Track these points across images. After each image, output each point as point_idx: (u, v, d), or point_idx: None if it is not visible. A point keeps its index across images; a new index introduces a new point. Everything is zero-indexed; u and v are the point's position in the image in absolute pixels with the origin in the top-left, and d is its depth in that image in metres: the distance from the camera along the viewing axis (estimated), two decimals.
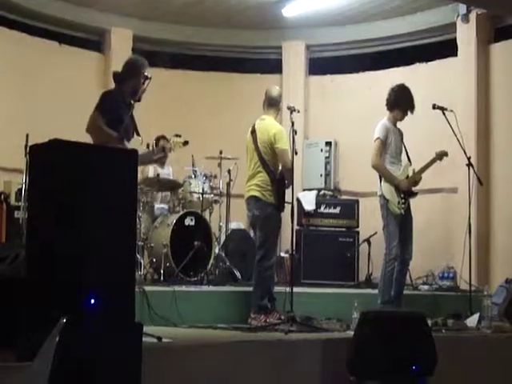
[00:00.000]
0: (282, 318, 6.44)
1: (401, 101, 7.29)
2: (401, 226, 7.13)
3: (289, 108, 6.72)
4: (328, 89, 11.20)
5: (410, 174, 7.31)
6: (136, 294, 4.66)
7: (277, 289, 6.93)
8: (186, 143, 6.16)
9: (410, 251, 7.21)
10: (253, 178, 6.82)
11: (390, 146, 7.25)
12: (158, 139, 9.10)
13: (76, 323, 3.79)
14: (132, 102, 5.78)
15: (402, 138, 7.40)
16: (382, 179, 7.19)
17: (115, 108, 5.52)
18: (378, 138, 7.21)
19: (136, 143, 5.67)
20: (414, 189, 7.33)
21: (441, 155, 7.48)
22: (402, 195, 7.16)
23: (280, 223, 6.89)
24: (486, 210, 9.45)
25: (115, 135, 5.41)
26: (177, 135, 6.14)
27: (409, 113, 7.34)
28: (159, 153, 5.81)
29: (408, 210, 7.23)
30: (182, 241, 7.87)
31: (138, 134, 5.66)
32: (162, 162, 5.92)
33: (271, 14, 10.45)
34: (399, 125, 7.40)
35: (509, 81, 9.51)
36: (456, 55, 9.99)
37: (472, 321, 6.81)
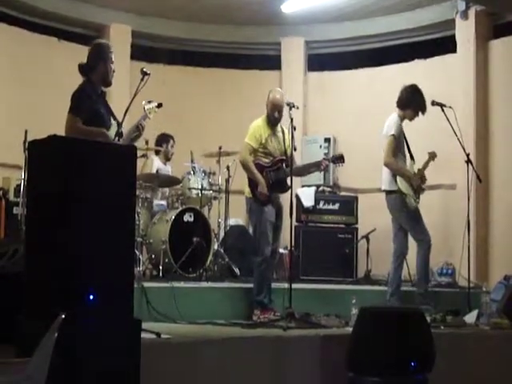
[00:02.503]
0: (278, 314, 6.46)
1: (413, 101, 7.28)
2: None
3: (288, 104, 6.73)
4: (327, 85, 11.19)
5: (416, 172, 7.34)
6: (135, 290, 4.66)
7: (276, 285, 6.95)
8: (159, 106, 6.01)
9: (407, 246, 7.26)
10: None
11: (401, 143, 7.26)
12: (162, 136, 9.06)
13: (75, 319, 3.79)
14: (103, 89, 5.68)
15: (404, 135, 7.40)
16: (397, 175, 7.19)
17: (88, 103, 5.39)
18: (392, 135, 7.18)
19: (115, 128, 5.56)
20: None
21: (433, 156, 7.49)
22: (415, 191, 7.20)
23: (263, 215, 6.80)
24: (484, 206, 9.45)
25: (96, 131, 5.31)
26: (149, 101, 5.98)
27: (420, 114, 7.34)
28: (134, 132, 5.69)
29: None
30: (181, 237, 7.86)
31: (115, 119, 5.57)
32: (137, 139, 5.76)
33: (270, 10, 10.44)
34: None
35: (507, 77, 9.50)
36: (455, 52, 9.98)
37: (470, 317, 6.83)
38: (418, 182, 7.22)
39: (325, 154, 7.04)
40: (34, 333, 3.73)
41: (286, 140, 6.91)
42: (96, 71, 5.57)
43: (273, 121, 6.91)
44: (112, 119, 5.55)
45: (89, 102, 5.42)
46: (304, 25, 11.00)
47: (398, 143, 7.23)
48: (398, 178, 7.18)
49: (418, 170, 7.35)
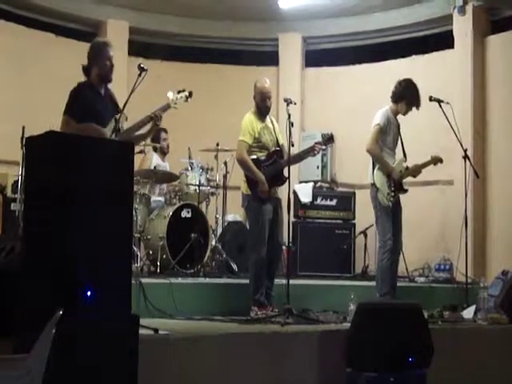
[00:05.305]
0: (275, 310, 6.46)
1: (407, 95, 7.24)
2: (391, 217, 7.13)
3: (285, 100, 6.70)
4: (324, 81, 11.19)
5: (404, 170, 7.29)
6: (132, 286, 4.67)
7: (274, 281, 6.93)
8: (190, 95, 5.99)
9: (400, 242, 7.22)
10: None
11: (389, 136, 7.23)
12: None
13: (72, 315, 3.79)
14: (104, 87, 5.66)
15: (399, 131, 7.37)
16: (375, 167, 7.17)
17: (82, 102, 5.41)
18: (377, 124, 7.16)
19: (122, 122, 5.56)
20: (405, 185, 7.31)
21: (435, 160, 7.43)
22: (393, 188, 7.14)
23: (261, 214, 6.69)
24: (482, 202, 9.45)
25: (85, 126, 5.28)
26: (179, 91, 5.93)
27: (414, 108, 7.31)
28: (144, 123, 5.65)
29: (397, 202, 7.21)
30: (179, 233, 7.86)
31: (120, 111, 5.55)
32: (154, 129, 5.74)
33: (268, 5, 10.45)
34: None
35: (505, 73, 9.51)
36: (452, 47, 9.98)
37: (468, 313, 6.83)
38: (399, 175, 7.18)
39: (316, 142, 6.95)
40: (32, 329, 3.74)
41: (276, 129, 6.90)
42: (92, 72, 5.60)
43: (264, 110, 6.85)
44: (117, 112, 5.55)
45: (83, 100, 5.42)
46: (301, 21, 11.00)
47: (385, 135, 7.19)
48: (375, 172, 7.16)
49: (407, 167, 7.29)
